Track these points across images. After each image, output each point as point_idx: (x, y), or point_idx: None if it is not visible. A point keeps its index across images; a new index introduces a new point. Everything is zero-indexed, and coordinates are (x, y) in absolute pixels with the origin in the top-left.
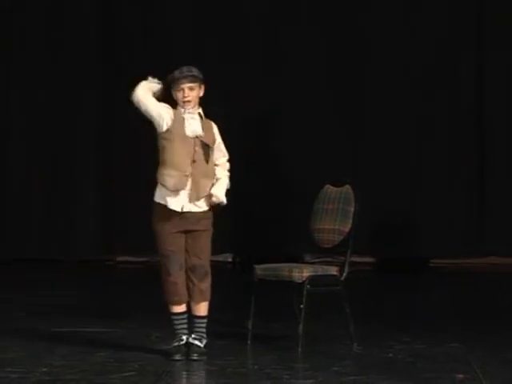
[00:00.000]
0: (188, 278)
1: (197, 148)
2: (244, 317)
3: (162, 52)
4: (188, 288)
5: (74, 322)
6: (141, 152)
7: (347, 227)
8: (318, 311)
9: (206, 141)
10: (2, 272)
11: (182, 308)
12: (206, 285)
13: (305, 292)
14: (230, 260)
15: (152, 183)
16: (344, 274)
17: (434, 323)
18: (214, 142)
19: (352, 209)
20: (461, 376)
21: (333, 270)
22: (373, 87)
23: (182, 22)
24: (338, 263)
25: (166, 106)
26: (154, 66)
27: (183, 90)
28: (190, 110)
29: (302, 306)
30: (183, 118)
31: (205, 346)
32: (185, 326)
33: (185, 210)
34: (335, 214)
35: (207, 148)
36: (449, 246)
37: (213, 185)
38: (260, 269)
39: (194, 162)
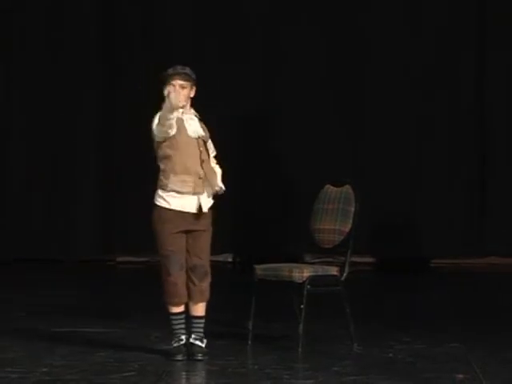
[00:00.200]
0: (188, 278)
1: (201, 148)
2: (244, 317)
3: (162, 52)
4: (188, 288)
5: (73, 322)
6: (141, 152)
7: (347, 227)
8: (318, 311)
9: (206, 140)
10: (2, 272)
11: (180, 308)
12: (205, 285)
13: (305, 292)
14: (229, 260)
15: (152, 183)
16: (344, 274)
17: (434, 323)
18: (208, 139)
19: (352, 209)
20: (461, 376)
21: (333, 270)
22: (373, 87)
23: (182, 22)
24: (338, 263)
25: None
26: (154, 66)
27: (175, 87)
28: (192, 116)
29: (302, 306)
30: (182, 120)
31: (205, 346)
32: (183, 326)
33: (204, 210)
34: (335, 214)
35: (206, 146)
36: (449, 246)
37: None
38: (260, 269)
39: (202, 161)
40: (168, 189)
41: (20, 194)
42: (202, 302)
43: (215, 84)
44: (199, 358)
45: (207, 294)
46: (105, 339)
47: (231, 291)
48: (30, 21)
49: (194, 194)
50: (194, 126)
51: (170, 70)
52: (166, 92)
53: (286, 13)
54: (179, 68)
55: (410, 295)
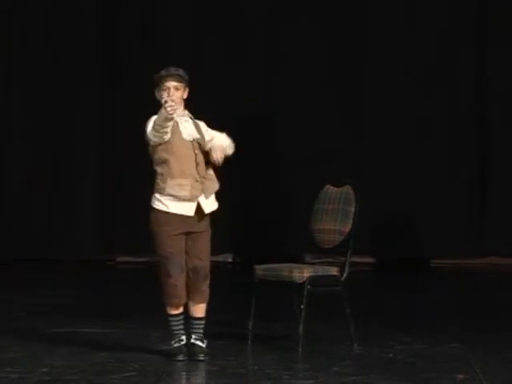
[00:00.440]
0: (188, 280)
1: (196, 151)
2: (244, 317)
3: (162, 52)
4: (188, 289)
5: (73, 322)
6: (141, 152)
7: (347, 227)
8: (319, 311)
9: (201, 142)
10: (2, 272)
11: (180, 310)
12: (206, 286)
13: (305, 292)
14: (229, 260)
15: (152, 184)
16: (344, 275)
17: (434, 323)
18: (203, 141)
19: (352, 209)
20: (461, 376)
21: (333, 271)
22: (373, 87)
23: (182, 22)
24: (338, 263)
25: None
26: (154, 66)
27: (169, 89)
28: (187, 118)
29: (302, 307)
30: (176, 123)
31: (206, 346)
32: (182, 326)
33: (205, 212)
34: (335, 214)
35: (203, 148)
36: (449, 246)
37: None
38: (260, 269)
39: (198, 164)
40: (165, 193)
41: (20, 194)
42: (202, 303)
43: (215, 84)
44: (201, 358)
45: (207, 295)
46: (105, 339)
47: (231, 291)
48: (30, 21)
49: (191, 197)
50: (189, 129)
51: (164, 72)
52: (159, 97)
53: (286, 13)
54: (172, 69)
55: (410, 295)
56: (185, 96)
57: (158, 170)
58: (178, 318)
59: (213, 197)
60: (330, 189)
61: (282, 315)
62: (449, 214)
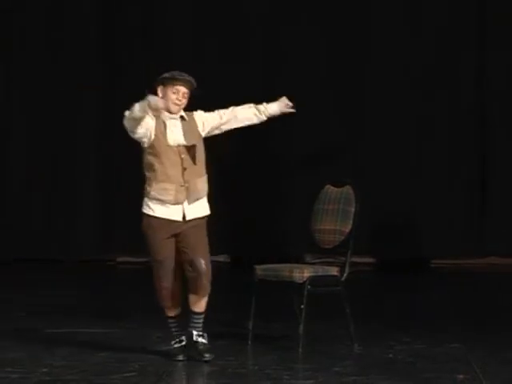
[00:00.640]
0: (188, 274)
1: (183, 156)
2: (244, 317)
3: (162, 52)
4: (188, 283)
5: (73, 322)
6: (141, 152)
7: (348, 228)
8: (319, 311)
9: (190, 144)
10: (2, 272)
11: (175, 311)
12: (206, 280)
13: (305, 292)
14: (229, 260)
15: None
16: (344, 275)
17: (434, 323)
18: (199, 136)
19: (352, 209)
20: (461, 376)
21: (333, 271)
22: (373, 87)
23: (182, 22)
24: (338, 264)
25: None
26: (154, 66)
27: (179, 92)
28: (173, 116)
29: (302, 307)
30: (165, 125)
31: (207, 341)
32: (181, 327)
33: (187, 218)
34: (336, 214)
35: (193, 148)
36: (449, 246)
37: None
38: (260, 269)
39: (184, 169)
40: (151, 196)
41: (20, 194)
42: (203, 296)
43: (215, 84)
44: (206, 358)
45: (208, 289)
46: (105, 339)
47: (231, 291)
48: (30, 21)
49: (176, 201)
50: (176, 134)
51: (177, 74)
52: (162, 93)
53: (286, 13)
54: (186, 75)
55: (410, 295)
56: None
57: (146, 174)
58: (175, 320)
59: (201, 202)
60: (330, 189)
61: (282, 315)
62: (449, 214)
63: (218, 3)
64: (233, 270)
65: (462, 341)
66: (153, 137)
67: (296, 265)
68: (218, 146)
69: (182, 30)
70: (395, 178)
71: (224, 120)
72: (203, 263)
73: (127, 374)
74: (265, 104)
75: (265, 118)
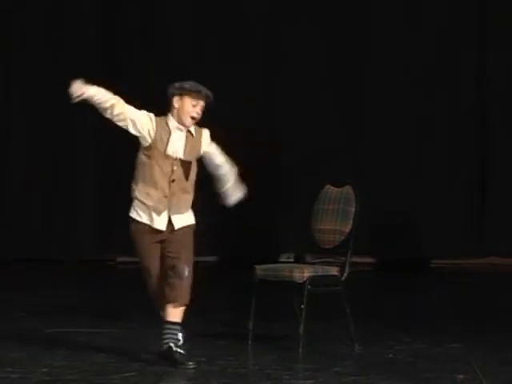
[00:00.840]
0: (169, 279)
1: (175, 168)
2: (244, 317)
3: (162, 52)
4: (166, 291)
5: (73, 322)
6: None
7: (348, 228)
8: (319, 311)
9: (187, 159)
10: (2, 272)
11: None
12: (187, 286)
13: (305, 292)
14: (229, 260)
15: None
16: (345, 275)
17: (434, 323)
18: (197, 154)
19: (353, 209)
20: (461, 376)
21: (333, 271)
22: (373, 87)
23: (182, 22)
24: (338, 263)
25: (146, 113)
26: (154, 66)
27: (199, 105)
28: (181, 127)
29: (302, 307)
30: (169, 133)
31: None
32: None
33: (175, 228)
34: (336, 214)
35: (188, 164)
36: (449, 246)
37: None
38: (260, 269)
39: (172, 181)
40: (134, 195)
41: (20, 194)
42: (181, 305)
43: (215, 84)
44: (191, 366)
45: (187, 297)
46: (105, 339)
47: (231, 291)
48: (30, 21)
49: (154, 209)
50: (177, 146)
51: (203, 89)
52: (177, 103)
53: (286, 13)
54: (205, 89)
55: (410, 295)
56: None
57: (136, 172)
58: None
59: (186, 214)
60: (330, 189)
61: (283, 315)
62: (449, 214)
63: (217, 3)
64: (232, 270)
65: (462, 341)
66: (149, 140)
67: (296, 265)
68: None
69: (182, 29)
70: (395, 178)
71: (212, 159)
72: (186, 269)
73: (127, 374)
74: (233, 185)
75: (223, 183)
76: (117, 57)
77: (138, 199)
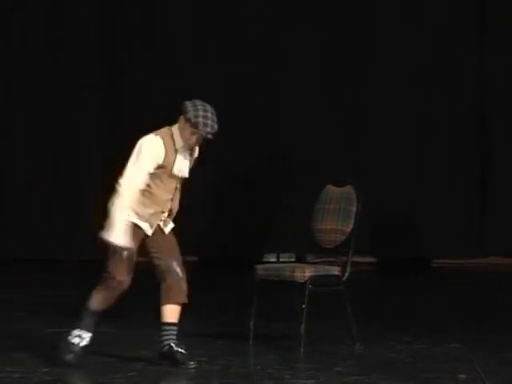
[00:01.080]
0: (166, 281)
1: (178, 186)
2: (246, 317)
3: (162, 52)
4: (164, 294)
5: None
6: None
7: (349, 227)
8: (320, 311)
9: (187, 176)
10: (2, 272)
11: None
12: (185, 284)
13: (307, 292)
14: (229, 260)
15: None
16: (346, 274)
17: (435, 323)
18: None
19: (354, 209)
20: (463, 376)
21: (335, 270)
22: (373, 87)
23: (182, 22)
24: (339, 263)
25: (154, 152)
26: (154, 66)
27: (198, 139)
28: (188, 150)
29: (303, 306)
30: (176, 152)
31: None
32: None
33: (166, 232)
34: (337, 214)
35: (186, 179)
36: (449, 246)
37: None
38: (262, 269)
39: (172, 200)
40: (131, 207)
41: (20, 194)
42: (180, 302)
43: (215, 84)
44: (193, 365)
45: (185, 295)
46: (106, 339)
47: (232, 291)
48: (30, 21)
49: (148, 221)
50: (182, 166)
51: (210, 128)
52: (184, 130)
53: (286, 13)
54: (212, 124)
55: (411, 295)
56: None
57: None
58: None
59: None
60: (331, 189)
61: (284, 315)
62: (449, 214)
63: (218, 3)
64: (233, 270)
65: (462, 341)
66: (160, 162)
67: (297, 264)
68: (219, 145)
69: (182, 29)
70: (396, 178)
71: None
72: (182, 268)
73: (128, 374)
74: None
75: None
76: (117, 57)
77: (134, 210)
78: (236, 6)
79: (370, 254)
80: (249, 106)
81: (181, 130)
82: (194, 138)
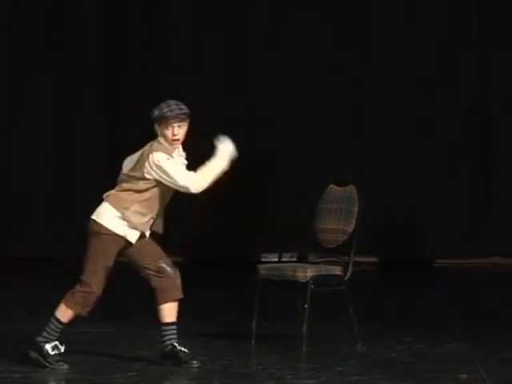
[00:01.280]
0: (159, 283)
1: (173, 192)
2: (247, 317)
3: (162, 52)
4: (160, 294)
5: (74, 322)
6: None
7: (351, 227)
8: (322, 311)
9: None
10: (2, 272)
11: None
12: (179, 280)
13: (308, 292)
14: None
15: None
16: (348, 274)
17: (436, 323)
18: None
19: (356, 209)
20: (465, 376)
21: (336, 270)
22: (373, 87)
23: (182, 23)
24: (341, 263)
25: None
26: (154, 66)
27: (173, 128)
28: (181, 153)
29: (305, 306)
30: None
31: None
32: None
33: (147, 236)
34: (339, 213)
35: None
36: (451, 246)
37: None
38: (263, 268)
39: (166, 206)
40: (126, 214)
41: (20, 194)
42: (177, 299)
43: (215, 84)
44: (196, 364)
45: (181, 290)
46: (105, 339)
47: (233, 291)
48: (30, 21)
49: (140, 229)
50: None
51: (167, 111)
52: (160, 132)
53: (286, 13)
54: (175, 108)
55: (412, 295)
56: (186, 129)
57: (133, 190)
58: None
59: None
60: (333, 188)
61: (286, 315)
62: (451, 214)
63: (218, 3)
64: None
65: (463, 341)
66: None
67: (299, 264)
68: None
69: (181, 29)
70: (397, 178)
71: None
72: (172, 266)
73: (129, 374)
74: None
75: None
76: (117, 57)
77: (124, 216)
78: (236, 5)
79: (372, 254)
80: (249, 105)
81: (161, 136)
82: (170, 131)
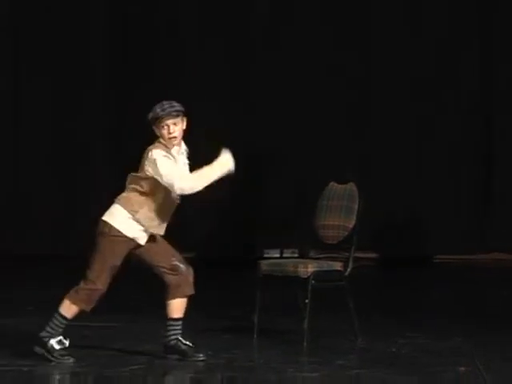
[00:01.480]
0: (172, 280)
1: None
2: (249, 312)
3: (162, 52)
4: (172, 290)
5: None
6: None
7: (351, 223)
8: (323, 306)
9: None
10: (2, 272)
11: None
12: (192, 276)
13: (310, 287)
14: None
15: None
16: (348, 270)
17: (437, 318)
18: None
19: (356, 206)
20: (463, 369)
21: (337, 266)
22: (373, 87)
23: (183, 23)
24: (342, 259)
25: (171, 158)
26: (154, 66)
27: (168, 126)
28: (182, 151)
29: (306, 301)
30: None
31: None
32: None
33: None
34: (339, 210)
35: None
36: (452, 242)
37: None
38: (265, 264)
39: (175, 206)
40: (135, 217)
41: (20, 194)
42: (189, 295)
43: (215, 84)
44: (202, 357)
45: (193, 286)
46: (111, 333)
47: (237, 286)
48: (30, 21)
49: (150, 231)
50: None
51: (159, 111)
52: (159, 133)
53: (286, 13)
54: (167, 106)
55: (413, 290)
56: (184, 126)
57: (142, 192)
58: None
59: None
60: (334, 186)
61: (287, 310)
62: (452, 211)
63: (218, 3)
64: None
65: (465, 336)
66: None
67: (300, 260)
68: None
69: (182, 30)
70: (399, 176)
71: None
72: (184, 263)
73: (135, 367)
74: None
75: None
76: (117, 57)
77: (138, 221)
78: (236, 5)
79: (373, 250)
80: (248, 105)
81: (159, 136)
82: (165, 129)
